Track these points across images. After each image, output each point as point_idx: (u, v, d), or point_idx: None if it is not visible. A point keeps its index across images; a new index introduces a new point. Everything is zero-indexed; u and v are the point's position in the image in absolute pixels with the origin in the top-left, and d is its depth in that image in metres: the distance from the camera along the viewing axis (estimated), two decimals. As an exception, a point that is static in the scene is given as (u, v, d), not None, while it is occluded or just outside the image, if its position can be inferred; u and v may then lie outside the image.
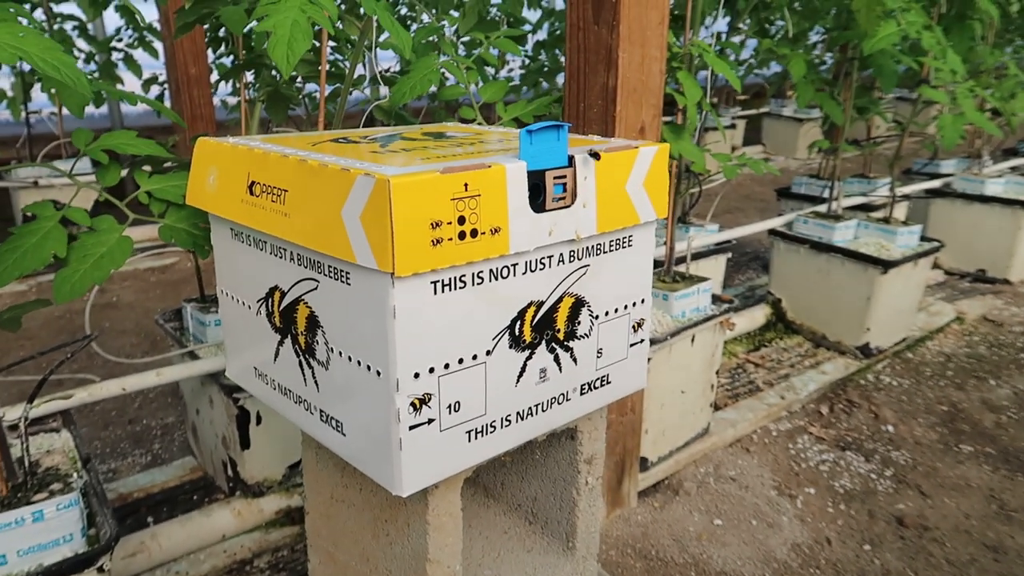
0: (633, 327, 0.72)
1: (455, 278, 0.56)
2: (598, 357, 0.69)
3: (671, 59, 1.20)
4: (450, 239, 0.54)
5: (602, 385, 0.71)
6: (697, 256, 1.87)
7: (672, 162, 1.41)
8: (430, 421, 0.58)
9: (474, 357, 0.59)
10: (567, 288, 0.64)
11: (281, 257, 0.64)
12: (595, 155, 0.61)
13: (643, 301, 0.72)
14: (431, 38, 1.17)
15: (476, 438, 0.61)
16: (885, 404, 1.75)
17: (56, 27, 2.67)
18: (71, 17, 2.66)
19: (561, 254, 0.63)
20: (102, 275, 0.76)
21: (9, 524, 0.77)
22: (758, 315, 2.10)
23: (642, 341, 0.74)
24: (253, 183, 0.63)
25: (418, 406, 0.57)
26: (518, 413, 0.64)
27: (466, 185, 0.54)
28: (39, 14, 2.61)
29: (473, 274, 0.57)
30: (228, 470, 1.30)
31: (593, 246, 0.65)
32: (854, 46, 1.87)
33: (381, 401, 0.56)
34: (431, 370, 0.57)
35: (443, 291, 0.55)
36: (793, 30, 1.91)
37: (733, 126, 4.67)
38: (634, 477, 1.36)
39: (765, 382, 1.82)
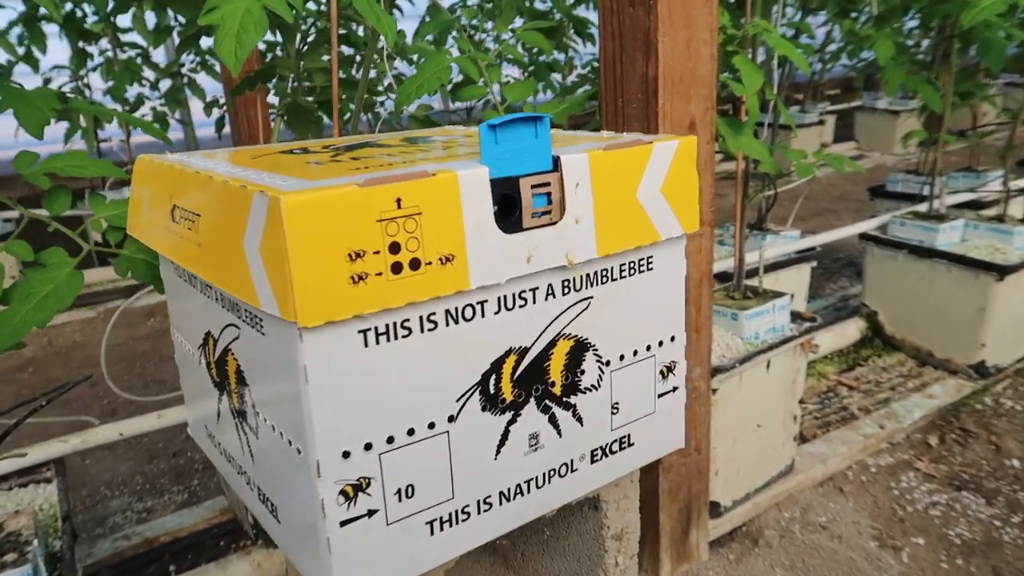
0: (661, 372, 0.56)
1: (394, 324, 0.42)
2: (613, 414, 0.54)
3: (725, 43, 1.03)
4: (379, 274, 0.40)
5: (621, 448, 0.55)
6: (775, 266, 1.66)
7: (738, 163, 1.24)
8: (371, 513, 0.44)
9: (431, 426, 0.45)
10: (561, 328, 0.49)
11: (209, 297, 0.52)
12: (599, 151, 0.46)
13: (673, 339, 0.56)
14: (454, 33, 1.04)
15: (442, 529, 0.47)
16: (1008, 434, 1.49)
17: (124, 55, 2.71)
18: (134, 45, 2.69)
19: (550, 286, 0.48)
20: (45, 317, 0.66)
21: (-48, 604, 0.68)
22: (851, 330, 1.87)
23: (675, 390, 0.58)
24: (174, 207, 0.51)
25: (352, 494, 0.43)
26: (502, 493, 0.49)
27: (399, 201, 0.40)
28: (105, 43, 2.65)
29: (422, 318, 0.43)
30: (251, 515, 1.20)
31: (595, 273, 0.50)
32: (952, 22, 1.64)
33: (305, 487, 0.43)
34: (368, 446, 0.43)
35: (377, 342, 0.42)
36: (879, 7, 1.69)
37: (821, 122, 4.37)
38: (703, 526, 1.18)
39: (861, 408, 1.60)
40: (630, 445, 0.56)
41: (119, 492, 1.50)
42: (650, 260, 0.53)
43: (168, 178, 0.52)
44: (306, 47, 1.25)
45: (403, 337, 0.42)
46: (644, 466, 0.66)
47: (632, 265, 0.52)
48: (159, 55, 3.40)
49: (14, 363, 2.20)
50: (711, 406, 1.13)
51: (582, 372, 0.51)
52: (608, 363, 0.52)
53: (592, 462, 0.54)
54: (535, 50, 2.82)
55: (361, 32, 1.23)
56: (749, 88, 0.98)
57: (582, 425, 0.52)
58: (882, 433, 1.49)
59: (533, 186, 0.45)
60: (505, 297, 0.46)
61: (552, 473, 0.52)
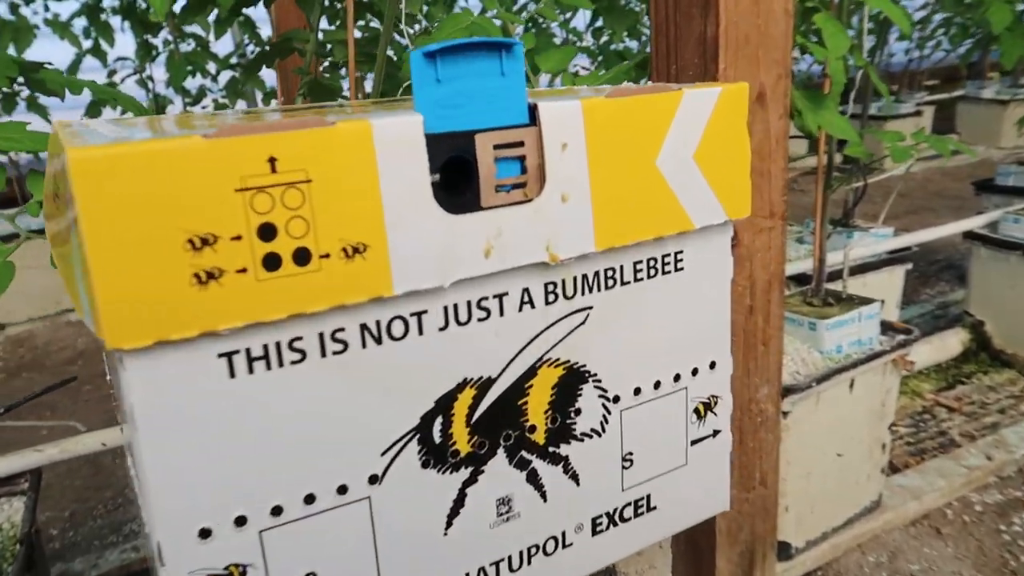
0: (696, 411, 0.41)
1: (276, 345, 0.29)
2: (625, 468, 0.39)
3: (806, -2, 0.86)
4: (242, 270, 0.27)
5: (637, 514, 0.40)
6: (863, 268, 1.46)
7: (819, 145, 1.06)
8: (251, 612, 0.30)
9: (341, 490, 0.31)
10: (545, 352, 0.35)
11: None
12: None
13: (713, 365, 0.41)
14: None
15: (364, 632, 0.33)
16: None
17: (187, 48, 2.68)
18: (194, 36, 2.66)
19: (525, 291, 0.33)
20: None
21: None
22: (952, 342, 1.64)
23: (715, 434, 0.42)
24: (56, 187, 0.39)
25: (218, 588, 0.30)
26: (457, 579, 0.35)
27: (272, 161, 0.26)
28: (165, 33, 2.63)
29: (321, 335, 0.29)
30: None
31: (595, 275, 0.35)
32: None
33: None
34: (241, 521, 0.29)
35: (251, 370, 0.28)
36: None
37: (918, 113, 4.03)
38: (769, 570, 1.01)
39: (963, 434, 1.38)
40: (650, 509, 0.41)
41: (140, 497, 1.43)
42: (679, 257, 0.38)
43: (55, 148, 0.40)
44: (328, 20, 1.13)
45: (293, 363, 0.29)
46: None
47: (651, 264, 0.37)
48: (224, 45, 3.40)
49: (66, 355, 2.19)
50: (781, 432, 0.96)
51: (577, 412, 0.37)
52: (616, 399, 0.38)
53: (595, 533, 0.39)
54: (604, 39, 2.65)
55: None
56: (833, 51, 0.81)
57: (578, 484, 0.38)
58: (989, 465, 1.27)
59: (497, 146, 0.31)
60: (455, 307, 0.32)
61: (535, 550, 0.37)
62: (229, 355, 0.28)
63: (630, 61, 0.86)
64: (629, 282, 0.36)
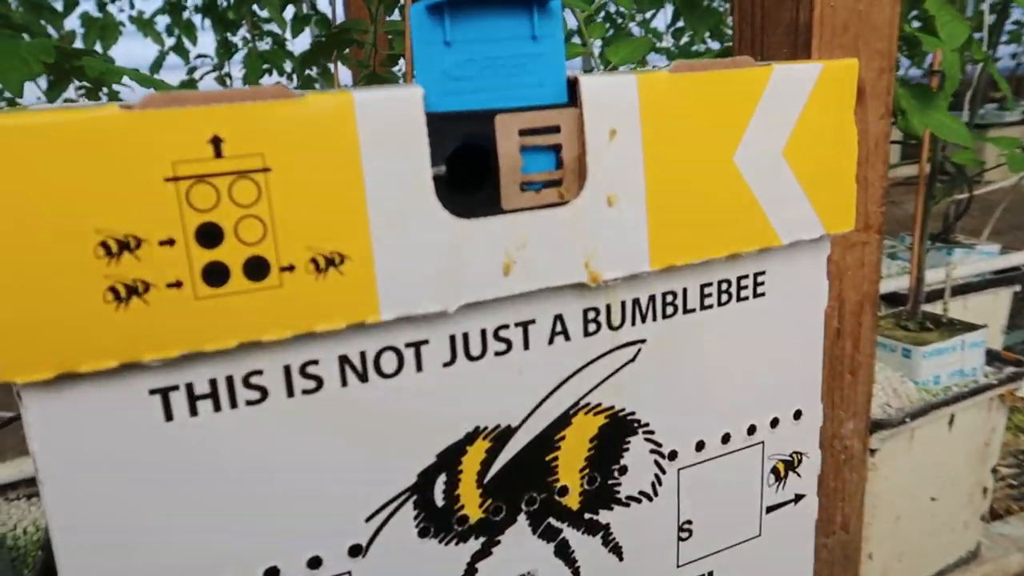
0: (775, 471, 0.33)
1: (228, 380, 0.22)
2: (682, 540, 0.31)
3: (916, -19, 0.75)
4: (175, 284, 0.20)
5: (695, 595, 0.33)
6: (964, 289, 1.32)
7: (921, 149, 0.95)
8: None
9: (313, 563, 0.25)
10: (583, 395, 0.27)
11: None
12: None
13: (798, 415, 0.33)
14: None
15: None
16: None
17: (264, 46, 2.70)
18: (272, 35, 2.67)
19: (558, 319, 0.26)
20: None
21: None
22: (1063, 373, 1.48)
23: (798, 499, 0.34)
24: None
25: None
26: (462, 673, 0.28)
27: (216, 141, 0.20)
28: (244, 31, 2.66)
29: (288, 369, 0.23)
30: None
31: (648, 299, 0.28)
32: None
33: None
34: (180, 600, 0.23)
35: (195, 412, 0.22)
36: None
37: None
38: (848, 624, 0.90)
39: (1075, 478, 1.24)
40: (713, 591, 0.33)
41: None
42: (759, 279, 0.30)
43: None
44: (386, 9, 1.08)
45: (249, 403, 0.23)
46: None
47: (723, 287, 0.29)
48: (302, 43, 3.43)
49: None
50: (867, 471, 0.85)
51: (622, 470, 0.29)
52: (673, 455, 0.30)
53: (640, 618, 0.31)
54: (684, 40, 2.55)
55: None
56: (948, 42, 0.71)
57: (621, 559, 0.30)
58: (1109, 517, 1.13)
59: (525, 131, 0.24)
60: (464, 337, 0.25)
61: (563, 638, 0.30)
62: (165, 392, 0.22)
63: (710, 52, 0.77)
64: (694, 310, 0.29)
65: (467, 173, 0.24)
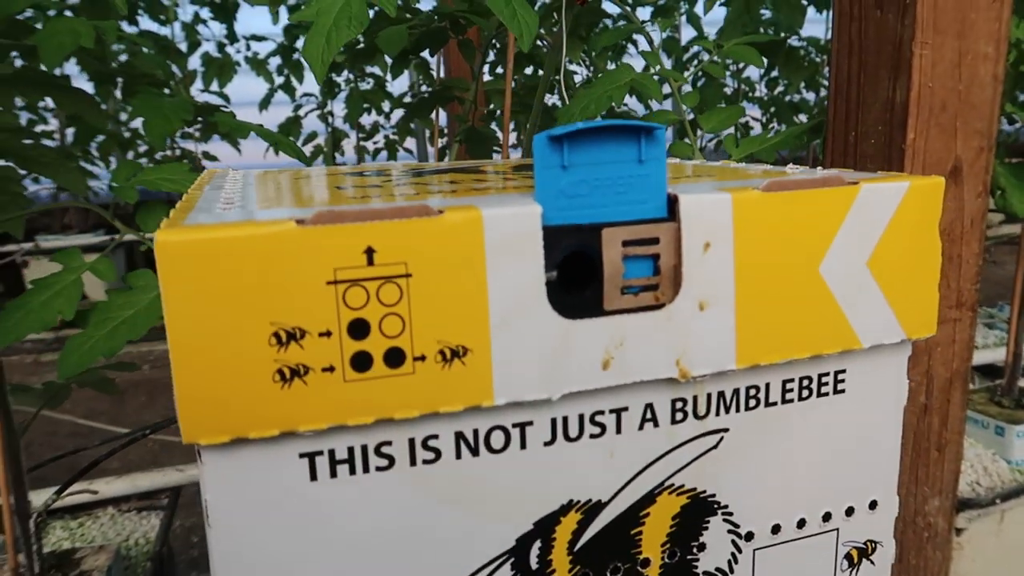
0: (848, 557, 0.35)
1: (363, 449, 0.26)
2: (755, 617, 0.33)
3: (1018, 60, 0.75)
4: (329, 369, 0.24)
5: (766, 672, 0.34)
6: (1068, 364, 1.27)
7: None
8: None
9: (421, 612, 0.28)
10: (667, 477, 0.30)
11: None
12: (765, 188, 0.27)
13: (873, 505, 0.34)
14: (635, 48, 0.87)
15: None
16: None
17: (365, 86, 2.84)
18: (373, 76, 2.81)
19: (648, 407, 0.29)
20: (115, 346, 0.59)
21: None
22: None
23: (872, 585, 0.35)
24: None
25: None
26: None
27: (369, 252, 0.24)
28: (348, 73, 2.80)
29: (412, 441, 0.26)
30: None
31: (732, 392, 0.30)
32: None
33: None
34: (309, 636, 0.27)
35: (334, 474, 0.26)
36: None
37: None
38: None
39: None
40: (783, 669, 0.34)
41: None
42: (840, 377, 0.32)
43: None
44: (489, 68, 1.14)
45: (379, 469, 0.26)
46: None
47: (804, 383, 0.31)
48: (401, 84, 3.57)
49: (135, 378, 2.33)
50: (952, 552, 0.83)
51: (701, 547, 0.31)
52: (750, 536, 0.32)
53: None
54: (779, 90, 2.53)
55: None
56: (1049, 123, 0.70)
57: (697, 632, 0.32)
58: None
59: (627, 243, 0.27)
60: (564, 420, 0.28)
61: None
62: (311, 456, 0.25)
63: (802, 124, 0.79)
64: (775, 403, 0.31)
65: (575, 278, 0.27)
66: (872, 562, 0.35)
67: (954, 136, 0.70)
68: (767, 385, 0.31)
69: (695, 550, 0.31)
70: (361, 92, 2.80)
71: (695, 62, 2.02)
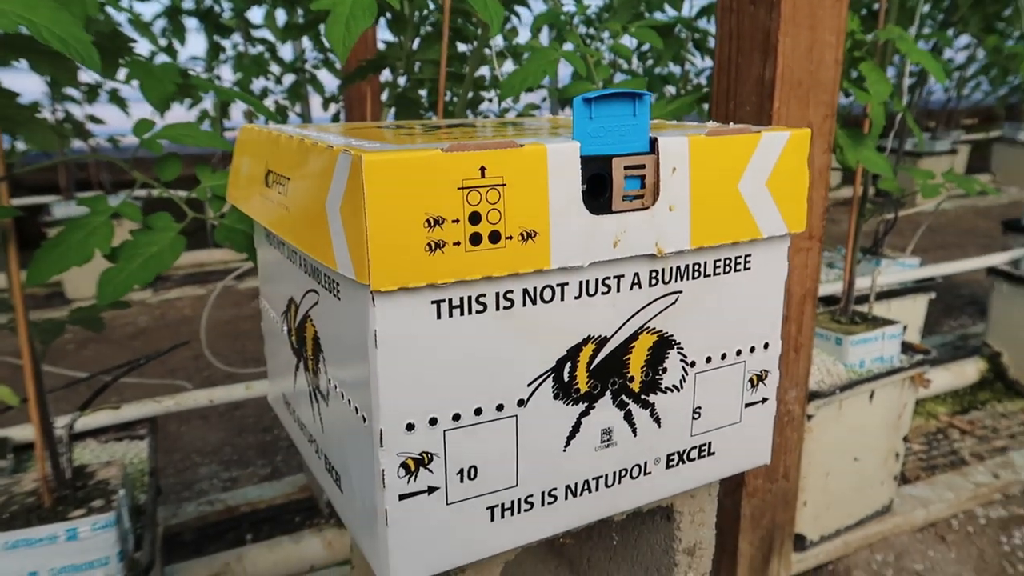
0: (751, 380, 0.53)
1: (469, 298, 0.41)
2: (695, 419, 0.51)
3: (852, 48, 0.97)
4: (457, 243, 0.39)
5: (700, 456, 0.52)
6: (889, 295, 1.56)
7: (856, 178, 1.17)
8: (431, 490, 0.43)
9: (499, 407, 0.43)
10: (645, 322, 0.47)
11: (294, 262, 0.52)
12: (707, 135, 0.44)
13: (767, 346, 0.52)
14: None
15: (502, 517, 0.45)
16: None
17: (254, 50, 2.84)
18: (264, 41, 2.82)
19: (636, 275, 0.45)
20: (147, 276, 0.69)
21: (42, 540, 0.71)
22: (969, 370, 1.73)
23: (764, 401, 0.54)
24: (268, 172, 0.52)
25: (413, 468, 0.42)
26: (568, 488, 0.47)
27: (483, 169, 0.39)
28: (238, 37, 2.79)
29: (498, 294, 0.41)
30: (325, 494, 1.22)
31: (686, 267, 0.47)
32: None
33: (367, 457, 0.42)
34: (433, 421, 0.42)
35: (451, 315, 0.40)
36: (1030, 26, 1.56)
37: (954, 151, 4.11)
38: (785, 557, 1.11)
39: (973, 454, 1.48)
40: (710, 454, 0.52)
41: (208, 460, 1.56)
42: (748, 259, 0.49)
43: (265, 144, 0.53)
44: (420, 41, 1.26)
45: (478, 312, 0.41)
46: (726, 484, 0.63)
47: (728, 262, 0.48)
48: (287, 52, 3.56)
49: (128, 331, 2.34)
50: (804, 432, 1.07)
51: (664, 370, 0.48)
52: (693, 364, 0.49)
53: (667, 467, 0.51)
54: (650, 62, 2.76)
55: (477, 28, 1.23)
56: (875, 97, 0.92)
57: (659, 426, 0.49)
58: (996, 483, 1.37)
59: (627, 167, 0.43)
60: (587, 282, 0.44)
61: (623, 473, 0.49)
62: (438, 302, 0.40)
63: (694, 94, 0.98)
64: (711, 274, 0.48)
65: (596, 189, 0.43)
66: (765, 384, 0.53)
67: (807, 106, 0.91)
68: (706, 262, 0.48)
69: (661, 372, 0.48)
70: (253, 57, 2.80)
71: (589, 39, 2.21)
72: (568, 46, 0.96)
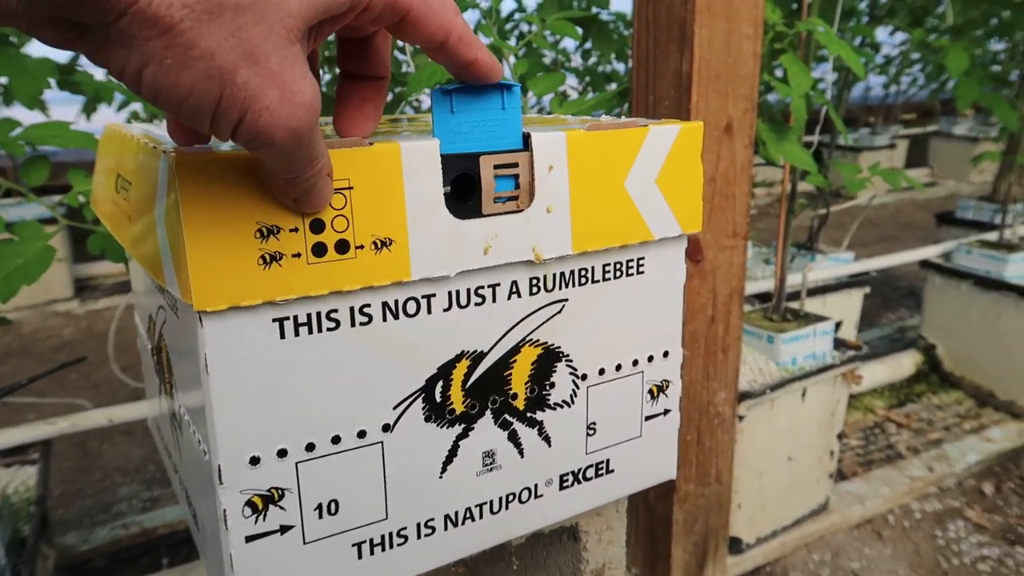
0: (651, 392, 0.49)
1: (318, 314, 0.36)
2: (589, 435, 0.47)
3: (773, 40, 0.95)
4: (297, 255, 0.34)
5: (598, 475, 0.48)
6: (824, 290, 1.56)
7: (783, 174, 1.15)
8: (284, 529, 0.38)
9: (361, 434, 0.39)
10: (527, 333, 0.43)
11: (148, 275, 0.47)
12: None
13: (667, 355, 0.49)
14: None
15: (371, 553, 0.41)
16: (1073, 487, 1.36)
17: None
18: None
19: (514, 283, 0.41)
20: (10, 291, 0.63)
21: (-100, 585, 0.64)
22: (905, 363, 1.74)
23: (666, 412, 0.50)
24: (118, 176, 0.47)
25: (261, 506, 0.37)
26: (448, 517, 0.43)
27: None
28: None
29: (352, 309, 0.37)
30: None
31: (570, 273, 0.43)
32: (1037, 36, 1.51)
33: (211, 494, 0.37)
34: (282, 453, 0.37)
35: (296, 334, 0.36)
36: (956, 19, 1.58)
37: (892, 146, 4.19)
38: (720, 562, 1.09)
39: (909, 448, 1.48)
40: (608, 472, 0.49)
41: (129, 480, 1.48)
42: (640, 262, 0.46)
43: (117, 146, 0.48)
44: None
45: (329, 330, 0.37)
46: (657, 490, 0.59)
47: (617, 266, 0.45)
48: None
49: (52, 344, 2.23)
50: (736, 433, 1.04)
51: (552, 385, 0.45)
52: (584, 377, 0.46)
53: (561, 488, 0.47)
54: (593, 60, 2.74)
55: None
56: (796, 90, 0.90)
57: (550, 445, 0.46)
58: (931, 476, 1.37)
59: (497, 166, 0.39)
60: (457, 292, 0.40)
61: (511, 498, 0.45)
62: (280, 320, 0.35)
63: (612, 90, 0.94)
64: (599, 280, 0.44)
65: (462, 191, 0.39)
66: (667, 395, 0.50)
67: (727, 99, 0.88)
68: (592, 267, 0.44)
69: (548, 387, 0.44)
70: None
71: (516, 32, 2.17)
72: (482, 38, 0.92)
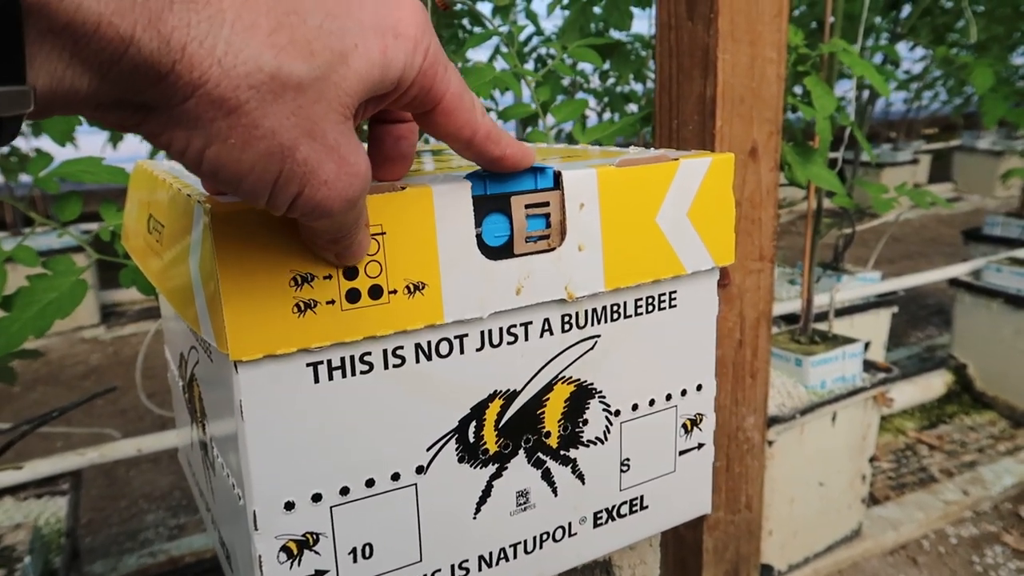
0: (684, 426, 0.49)
1: (351, 358, 0.36)
2: (623, 472, 0.47)
3: (796, 63, 0.94)
4: (331, 302, 0.34)
5: (632, 511, 0.48)
6: (851, 310, 1.54)
7: (808, 195, 1.14)
8: (319, 574, 0.38)
9: (395, 477, 0.39)
10: (560, 371, 0.42)
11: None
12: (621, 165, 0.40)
13: (700, 388, 0.48)
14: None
15: (406, 597, 0.41)
16: (1114, 510, 1.33)
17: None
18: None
19: (546, 321, 0.41)
20: (44, 325, 0.64)
21: (-66, 621, 0.65)
22: (936, 383, 1.71)
23: (700, 447, 0.50)
24: (149, 216, 0.48)
25: (296, 551, 0.37)
26: (482, 558, 0.43)
27: (358, 215, 0.34)
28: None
29: (385, 351, 0.37)
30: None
31: (602, 309, 0.43)
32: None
33: (246, 539, 0.37)
34: (316, 497, 0.37)
35: (331, 378, 0.36)
36: (979, 36, 1.56)
37: (915, 161, 4.15)
38: (753, 590, 1.07)
39: (942, 470, 1.45)
40: (643, 508, 0.48)
41: (156, 507, 1.49)
42: (673, 296, 0.45)
43: (148, 185, 0.48)
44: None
45: (362, 373, 0.37)
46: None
47: (649, 301, 0.44)
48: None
49: (79, 371, 2.26)
50: (766, 459, 1.03)
51: (585, 422, 0.44)
52: (617, 413, 0.45)
53: (595, 526, 0.46)
54: (611, 81, 2.75)
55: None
56: (820, 111, 0.90)
57: (584, 483, 0.45)
58: (966, 500, 1.34)
59: (528, 205, 0.39)
60: (490, 332, 0.40)
61: (545, 537, 0.44)
62: (315, 365, 0.35)
63: (634, 114, 0.94)
64: (631, 315, 0.44)
65: (494, 231, 0.38)
66: (700, 429, 0.49)
67: (751, 123, 0.88)
68: (625, 303, 0.44)
69: (581, 424, 0.44)
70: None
71: (534, 55, 2.18)
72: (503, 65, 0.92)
